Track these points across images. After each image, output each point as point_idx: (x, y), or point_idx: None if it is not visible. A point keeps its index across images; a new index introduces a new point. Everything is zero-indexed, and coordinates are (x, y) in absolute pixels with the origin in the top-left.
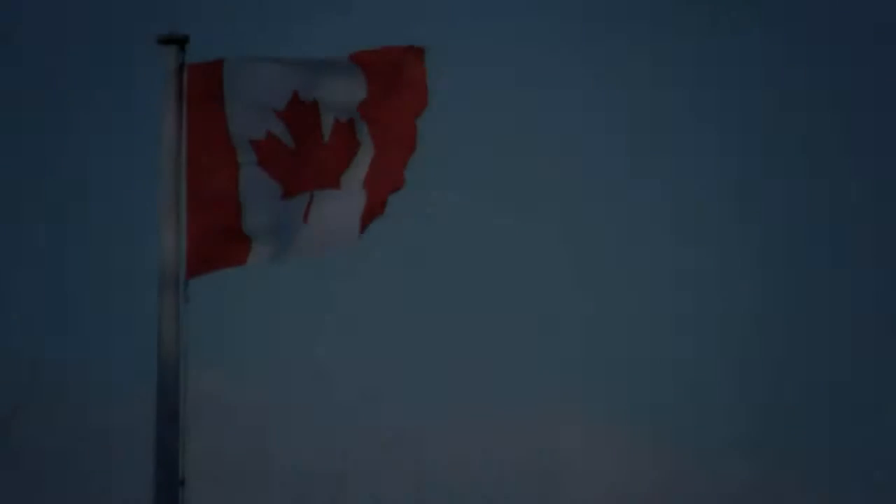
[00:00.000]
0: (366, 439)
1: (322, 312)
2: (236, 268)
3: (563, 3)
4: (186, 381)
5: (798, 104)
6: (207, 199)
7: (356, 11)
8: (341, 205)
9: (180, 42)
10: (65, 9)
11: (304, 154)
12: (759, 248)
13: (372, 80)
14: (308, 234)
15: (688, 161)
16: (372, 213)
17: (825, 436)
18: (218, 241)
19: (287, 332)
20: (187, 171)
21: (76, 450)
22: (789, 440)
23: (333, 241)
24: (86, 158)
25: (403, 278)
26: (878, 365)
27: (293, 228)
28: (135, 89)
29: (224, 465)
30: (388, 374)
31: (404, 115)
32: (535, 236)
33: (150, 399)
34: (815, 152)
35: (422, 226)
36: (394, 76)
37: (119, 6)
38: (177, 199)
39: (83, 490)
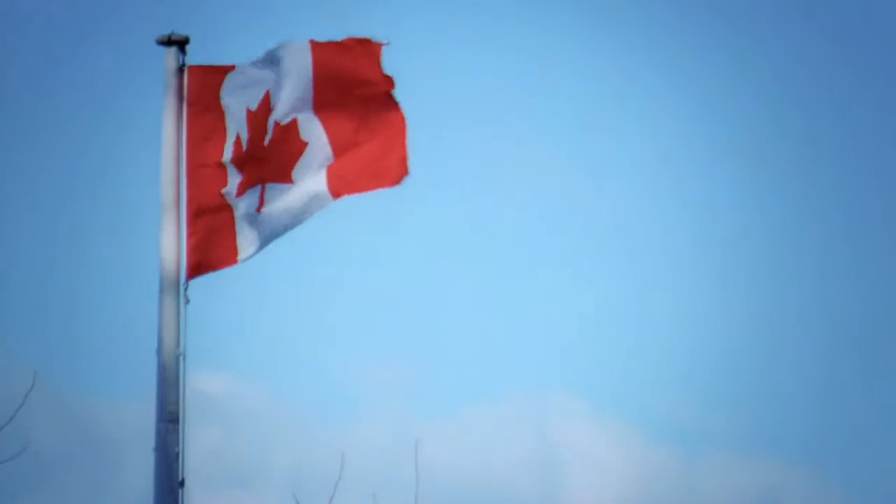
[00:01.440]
0: (366, 438)
1: (322, 312)
2: (236, 267)
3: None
4: (186, 382)
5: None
6: (205, 200)
7: (355, 10)
8: (296, 194)
9: (180, 43)
10: (66, 10)
11: (253, 153)
12: (761, 244)
13: (319, 75)
14: (264, 221)
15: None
16: (344, 186)
17: (829, 434)
18: (215, 241)
19: (287, 333)
20: (187, 172)
21: (77, 451)
22: (792, 438)
23: (294, 221)
24: (86, 159)
25: (404, 277)
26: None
27: (251, 220)
28: (136, 90)
29: (224, 466)
30: (389, 373)
31: (367, 112)
32: (537, 232)
33: (150, 400)
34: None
35: (422, 225)
36: (347, 70)
37: (123, 7)
38: (177, 200)
39: (84, 490)
